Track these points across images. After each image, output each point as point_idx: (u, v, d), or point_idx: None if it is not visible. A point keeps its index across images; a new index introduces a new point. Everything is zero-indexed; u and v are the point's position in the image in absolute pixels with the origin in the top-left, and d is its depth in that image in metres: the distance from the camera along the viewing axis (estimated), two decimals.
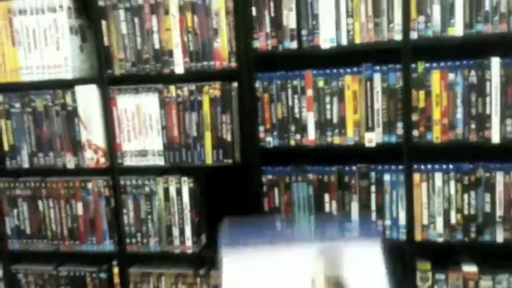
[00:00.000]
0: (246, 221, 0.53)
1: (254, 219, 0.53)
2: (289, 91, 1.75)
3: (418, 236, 1.73)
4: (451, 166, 1.70)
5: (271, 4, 1.71)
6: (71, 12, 1.84)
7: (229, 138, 1.80)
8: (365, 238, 0.53)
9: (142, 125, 1.85)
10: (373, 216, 1.71)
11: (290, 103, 1.76)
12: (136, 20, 1.80)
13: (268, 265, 0.50)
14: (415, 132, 1.68)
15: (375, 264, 0.52)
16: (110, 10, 1.81)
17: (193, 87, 1.80)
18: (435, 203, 1.71)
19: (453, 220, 1.71)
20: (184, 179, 1.86)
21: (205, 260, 1.93)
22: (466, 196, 1.70)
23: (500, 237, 1.69)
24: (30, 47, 1.87)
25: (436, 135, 1.67)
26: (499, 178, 1.67)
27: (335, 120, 1.74)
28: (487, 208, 1.69)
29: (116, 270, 1.97)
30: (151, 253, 1.93)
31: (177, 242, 1.89)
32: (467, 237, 1.71)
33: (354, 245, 0.53)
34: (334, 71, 1.71)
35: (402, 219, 1.73)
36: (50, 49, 1.85)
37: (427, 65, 1.65)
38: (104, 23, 1.82)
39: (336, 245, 0.52)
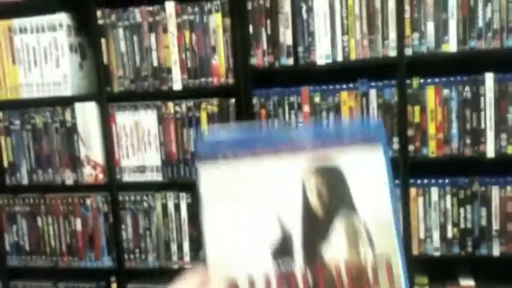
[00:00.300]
0: (227, 129, 0.47)
1: (236, 126, 0.43)
2: (286, 107, 1.77)
3: (415, 250, 1.74)
4: (447, 180, 1.71)
5: (268, 22, 1.74)
6: (70, 30, 1.87)
7: None
8: (365, 142, 0.46)
9: (140, 141, 1.87)
10: None
11: (287, 119, 1.78)
12: (135, 38, 1.83)
13: (252, 177, 0.44)
14: (411, 147, 1.70)
15: (377, 173, 0.45)
16: (109, 28, 1.84)
17: (191, 103, 1.82)
18: (431, 217, 1.72)
19: (450, 234, 1.72)
20: (183, 194, 1.88)
21: None
22: (462, 210, 1.71)
23: (496, 250, 1.70)
24: (31, 65, 1.89)
25: (431, 150, 1.69)
26: (495, 192, 1.69)
27: None
28: (483, 222, 1.70)
29: (114, 286, 1.97)
30: (149, 269, 1.93)
31: (175, 257, 1.90)
32: (464, 251, 1.72)
33: (352, 151, 0.45)
34: (330, 87, 1.74)
35: None
36: (49, 67, 1.87)
37: (422, 80, 1.68)
38: (103, 41, 1.84)
39: (330, 152, 0.45)
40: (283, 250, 0.43)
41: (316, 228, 0.44)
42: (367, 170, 0.45)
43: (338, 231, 0.44)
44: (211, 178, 0.43)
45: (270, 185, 0.44)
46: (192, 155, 1.84)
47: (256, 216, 0.43)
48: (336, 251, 0.44)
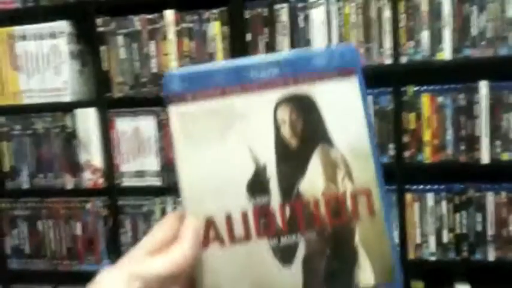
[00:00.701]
0: (195, 68, 0.44)
1: (204, 65, 0.44)
2: None
3: (411, 255, 1.76)
4: (442, 186, 1.73)
5: (266, 30, 1.77)
6: (71, 37, 1.89)
7: None
8: (339, 71, 0.43)
9: (140, 147, 1.89)
10: None
11: None
12: (134, 45, 1.85)
13: (222, 114, 0.42)
14: (407, 153, 1.72)
15: (352, 104, 0.43)
16: (109, 36, 1.86)
17: None
18: (427, 222, 1.74)
19: (445, 239, 1.74)
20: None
21: None
22: (457, 216, 1.73)
23: (491, 255, 1.72)
24: (31, 72, 1.91)
25: (426, 156, 1.71)
26: (490, 198, 1.71)
27: None
28: (479, 227, 1.72)
29: None
30: None
31: None
32: (460, 256, 1.74)
33: (325, 81, 0.42)
34: None
35: (395, 239, 1.76)
36: (50, 73, 1.89)
37: (417, 88, 1.70)
38: (103, 48, 1.86)
39: (302, 83, 0.42)
40: (258, 185, 0.42)
41: (291, 160, 0.43)
42: (341, 101, 0.43)
43: (314, 163, 0.43)
44: (181, 118, 0.42)
45: (240, 120, 0.42)
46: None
47: (228, 152, 0.42)
48: (312, 183, 0.42)
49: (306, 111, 0.43)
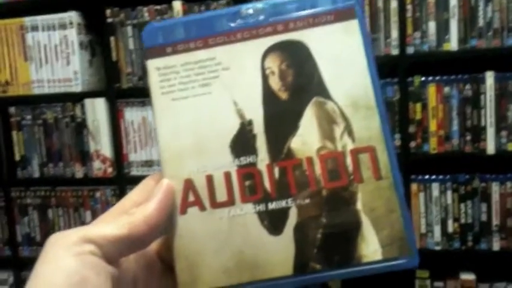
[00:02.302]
0: (176, 20, 0.39)
1: (186, 16, 0.40)
2: None
3: (417, 245, 1.77)
4: (447, 177, 1.74)
5: None
6: (80, 28, 1.91)
7: None
8: (337, 14, 0.37)
9: (148, 136, 1.91)
10: None
11: None
12: None
13: (204, 66, 0.38)
14: (412, 144, 1.73)
15: (353, 53, 0.37)
16: (118, 27, 1.88)
17: None
18: (432, 212, 1.76)
19: (450, 229, 1.75)
20: None
21: None
22: (462, 206, 1.74)
23: (496, 245, 1.73)
24: (42, 62, 1.94)
25: (432, 147, 1.72)
26: (495, 188, 1.72)
27: None
28: (484, 217, 1.73)
29: None
30: None
31: None
32: (465, 246, 1.75)
33: (320, 27, 0.37)
34: None
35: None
36: (60, 64, 1.92)
37: (423, 78, 1.71)
38: (112, 38, 1.88)
39: (295, 32, 0.37)
40: (244, 143, 0.37)
41: (281, 115, 0.37)
42: (339, 47, 0.37)
43: (308, 118, 0.37)
44: (160, 72, 0.38)
45: (224, 72, 0.38)
46: None
47: (211, 108, 0.37)
48: (306, 141, 0.37)
49: (298, 60, 0.37)
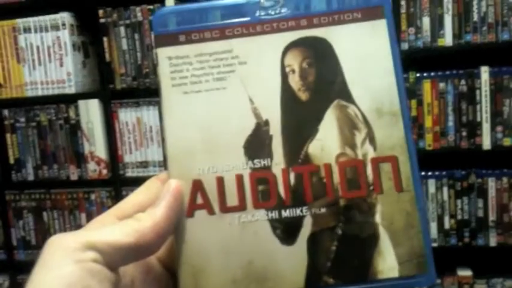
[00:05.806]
0: (191, 5, 0.37)
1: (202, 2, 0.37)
2: None
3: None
4: (443, 173, 1.74)
5: None
6: (73, 29, 1.90)
7: None
8: (364, 12, 0.35)
9: (143, 137, 1.91)
10: None
11: None
12: (136, 36, 1.86)
13: (220, 59, 0.35)
14: None
15: (379, 54, 0.35)
16: (111, 27, 1.87)
17: None
18: (429, 208, 1.75)
19: (447, 225, 1.75)
20: None
21: None
22: (459, 202, 1.74)
23: (493, 241, 1.73)
24: (35, 64, 1.92)
25: (428, 143, 1.72)
26: (491, 184, 1.72)
27: None
28: (480, 213, 1.73)
29: None
30: None
31: None
32: (461, 242, 1.75)
33: (347, 26, 0.35)
34: None
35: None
36: (53, 65, 1.91)
37: (418, 74, 1.70)
38: (105, 39, 1.87)
39: (319, 29, 0.35)
40: (258, 144, 0.35)
41: (299, 117, 0.35)
42: (365, 48, 0.35)
43: (328, 122, 0.35)
44: (171, 62, 0.35)
45: (241, 66, 0.35)
46: None
47: (225, 104, 0.35)
48: (325, 146, 0.35)
49: (320, 59, 0.35)
